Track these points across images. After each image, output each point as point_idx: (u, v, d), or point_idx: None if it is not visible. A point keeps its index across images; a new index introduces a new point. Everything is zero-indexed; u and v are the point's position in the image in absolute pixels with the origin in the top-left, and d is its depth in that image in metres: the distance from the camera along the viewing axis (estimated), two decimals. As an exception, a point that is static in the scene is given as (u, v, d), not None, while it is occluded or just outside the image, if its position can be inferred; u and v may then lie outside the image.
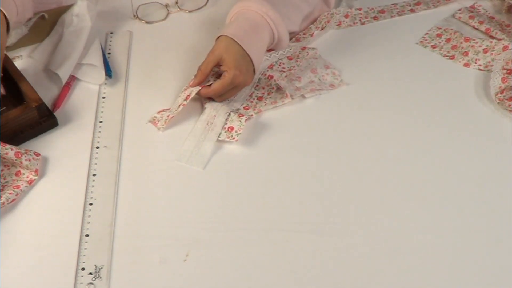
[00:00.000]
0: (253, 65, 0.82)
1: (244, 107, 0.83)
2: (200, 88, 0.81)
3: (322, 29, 0.95)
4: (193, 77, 0.81)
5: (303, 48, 0.92)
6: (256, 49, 0.82)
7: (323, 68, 0.90)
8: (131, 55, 0.92)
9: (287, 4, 0.88)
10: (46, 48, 0.90)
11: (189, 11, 0.99)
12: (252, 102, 0.84)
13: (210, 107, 0.82)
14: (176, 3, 0.99)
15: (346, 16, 0.99)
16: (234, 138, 0.78)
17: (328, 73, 0.89)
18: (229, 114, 0.80)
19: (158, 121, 0.81)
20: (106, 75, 0.87)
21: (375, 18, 1.00)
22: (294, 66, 0.89)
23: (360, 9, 1.01)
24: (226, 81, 0.79)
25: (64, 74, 0.84)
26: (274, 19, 0.83)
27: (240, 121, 0.79)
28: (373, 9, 1.02)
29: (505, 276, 0.66)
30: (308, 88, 0.85)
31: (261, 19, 0.83)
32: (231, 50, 0.79)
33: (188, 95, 0.80)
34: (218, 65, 0.80)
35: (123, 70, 0.89)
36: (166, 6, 0.98)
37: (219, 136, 0.78)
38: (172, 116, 0.80)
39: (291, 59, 0.90)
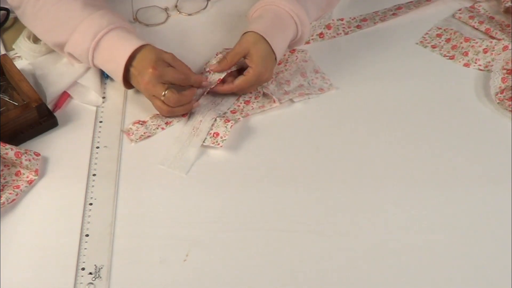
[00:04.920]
0: (276, 62, 0.83)
1: (231, 111, 0.83)
2: (205, 89, 0.82)
3: (308, 43, 0.95)
4: (214, 62, 0.84)
5: (292, 51, 0.91)
6: (281, 47, 0.83)
7: (312, 72, 0.89)
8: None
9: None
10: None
11: (189, 14, 0.99)
12: (239, 106, 0.84)
13: (197, 112, 0.82)
14: (176, 6, 0.99)
15: (329, 28, 0.97)
16: (219, 144, 0.77)
17: (317, 77, 0.88)
18: (215, 120, 0.80)
19: (133, 133, 0.80)
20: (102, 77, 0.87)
21: (358, 27, 0.98)
22: (282, 70, 0.88)
23: (342, 20, 0.98)
24: (250, 77, 0.80)
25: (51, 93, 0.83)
26: (302, 20, 0.83)
27: (225, 127, 0.78)
28: (355, 18, 0.99)
29: (505, 276, 0.66)
30: (297, 92, 0.85)
31: (289, 19, 0.83)
32: (259, 47, 0.79)
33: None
34: (243, 57, 0.81)
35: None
36: (166, 9, 0.98)
37: (204, 141, 0.78)
38: (148, 136, 0.80)
39: (279, 64, 0.89)
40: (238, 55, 0.81)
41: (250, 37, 0.80)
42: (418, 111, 0.84)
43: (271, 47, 0.80)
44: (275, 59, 0.82)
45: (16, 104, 0.80)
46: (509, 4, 0.97)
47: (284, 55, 0.91)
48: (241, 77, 0.81)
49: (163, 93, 0.76)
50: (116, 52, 0.77)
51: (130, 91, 0.85)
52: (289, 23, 0.83)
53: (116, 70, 0.78)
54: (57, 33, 0.81)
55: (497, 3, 1.02)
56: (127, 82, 0.80)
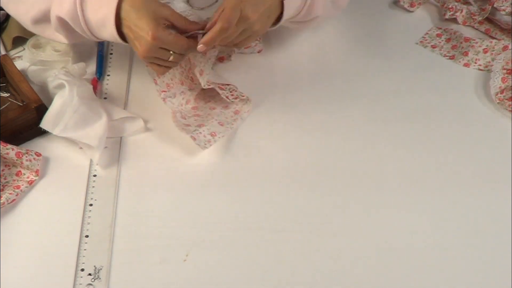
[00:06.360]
0: (282, 9, 0.73)
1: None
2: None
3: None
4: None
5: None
6: None
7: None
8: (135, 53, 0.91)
9: None
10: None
11: (202, 8, 0.98)
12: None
13: None
14: (187, 2, 0.98)
15: None
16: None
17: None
18: None
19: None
20: (95, 75, 0.87)
21: None
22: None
23: None
24: (229, 3, 0.68)
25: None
26: None
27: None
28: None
29: (505, 277, 0.66)
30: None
31: None
32: None
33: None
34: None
35: (125, 69, 0.89)
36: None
37: None
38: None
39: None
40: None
41: None
42: (418, 111, 0.84)
43: None
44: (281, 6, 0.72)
45: (20, 104, 0.80)
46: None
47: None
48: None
49: (170, 57, 0.71)
50: None
51: (131, 95, 0.85)
52: None
53: (106, 21, 0.70)
54: (38, 3, 0.75)
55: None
56: (122, 34, 0.72)
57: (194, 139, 0.76)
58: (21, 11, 0.78)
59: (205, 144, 0.76)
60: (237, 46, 0.77)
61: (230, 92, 0.83)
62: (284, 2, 0.73)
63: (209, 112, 0.82)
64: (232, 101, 0.82)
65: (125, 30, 0.71)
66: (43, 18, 0.76)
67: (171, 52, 0.70)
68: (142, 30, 0.68)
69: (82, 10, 0.71)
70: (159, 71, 0.74)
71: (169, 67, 0.75)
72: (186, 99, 0.84)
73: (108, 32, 0.72)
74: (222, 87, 0.83)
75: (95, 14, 0.71)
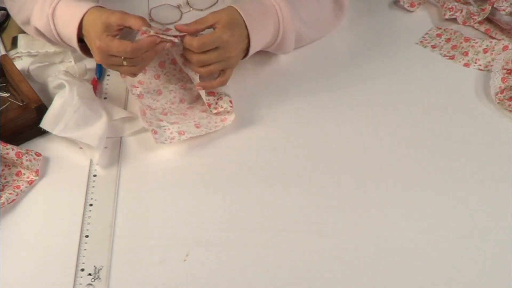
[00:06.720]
0: (248, 45, 0.79)
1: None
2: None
3: None
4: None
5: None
6: (257, 33, 0.78)
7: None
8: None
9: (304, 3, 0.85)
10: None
11: (202, 10, 0.98)
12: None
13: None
14: (187, 3, 0.98)
15: None
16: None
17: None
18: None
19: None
20: (95, 75, 0.87)
21: None
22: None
23: None
24: (215, 34, 0.74)
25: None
26: (286, 18, 0.80)
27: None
28: None
29: (505, 277, 0.66)
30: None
31: (271, 7, 0.80)
32: (232, 16, 0.76)
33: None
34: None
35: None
36: (178, 6, 0.97)
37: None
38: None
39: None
40: (209, 21, 0.76)
41: (226, 9, 0.77)
42: (418, 111, 0.84)
43: (246, 25, 0.76)
44: (248, 39, 0.78)
45: (20, 104, 0.80)
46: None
47: None
48: (206, 33, 0.75)
49: (122, 60, 0.73)
50: (69, 16, 0.76)
51: (131, 95, 0.85)
52: (270, 13, 0.80)
53: (72, 37, 0.77)
54: (25, 8, 0.82)
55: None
56: (87, 49, 0.79)
57: (155, 133, 0.76)
58: (14, 10, 0.87)
59: (165, 140, 0.76)
60: (223, 83, 0.80)
61: (215, 103, 0.82)
62: (250, 47, 0.79)
63: (196, 113, 0.82)
64: (211, 111, 0.81)
65: (88, 44, 0.77)
66: (29, 22, 0.83)
67: (122, 58, 0.73)
68: (92, 41, 0.74)
69: (54, 25, 0.79)
70: (129, 72, 0.76)
71: (138, 69, 0.76)
72: (179, 98, 0.83)
73: (74, 45, 0.79)
74: (211, 93, 0.83)
75: (63, 30, 0.78)
